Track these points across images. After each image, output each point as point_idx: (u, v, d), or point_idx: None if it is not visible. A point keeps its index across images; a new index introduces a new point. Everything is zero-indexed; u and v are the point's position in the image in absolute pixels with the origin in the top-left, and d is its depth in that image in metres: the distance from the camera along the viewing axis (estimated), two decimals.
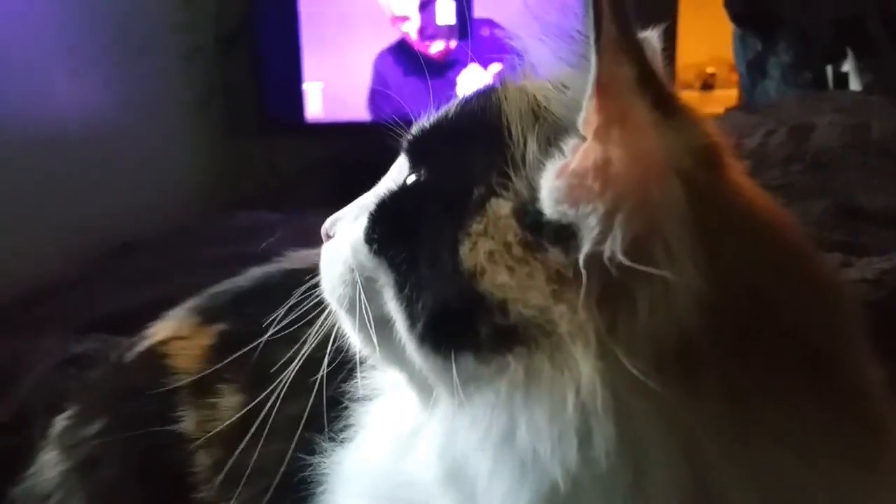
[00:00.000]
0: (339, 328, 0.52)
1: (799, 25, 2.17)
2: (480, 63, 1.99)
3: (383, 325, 0.47)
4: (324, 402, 0.54)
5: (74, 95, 1.77)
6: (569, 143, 0.42)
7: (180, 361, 0.67)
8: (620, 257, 0.39)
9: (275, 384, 0.54)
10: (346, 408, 0.55)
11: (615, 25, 0.39)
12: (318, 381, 0.53)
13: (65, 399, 0.72)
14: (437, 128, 0.51)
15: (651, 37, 0.51)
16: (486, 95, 0.49)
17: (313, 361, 0.53)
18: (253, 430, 0.57)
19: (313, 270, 0.54)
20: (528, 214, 0.42)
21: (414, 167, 0.50)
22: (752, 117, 1.72)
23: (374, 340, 0.48)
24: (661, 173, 0.39)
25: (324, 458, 0.55)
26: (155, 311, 0.74)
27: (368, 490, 0.51)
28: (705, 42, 2.90)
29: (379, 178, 0.53)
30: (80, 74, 1.78)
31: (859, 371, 0.44)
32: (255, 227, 1.52)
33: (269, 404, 0.55)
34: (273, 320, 0.55)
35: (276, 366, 0.55)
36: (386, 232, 0.48)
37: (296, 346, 0.53)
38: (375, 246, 0.48)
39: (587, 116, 0.40)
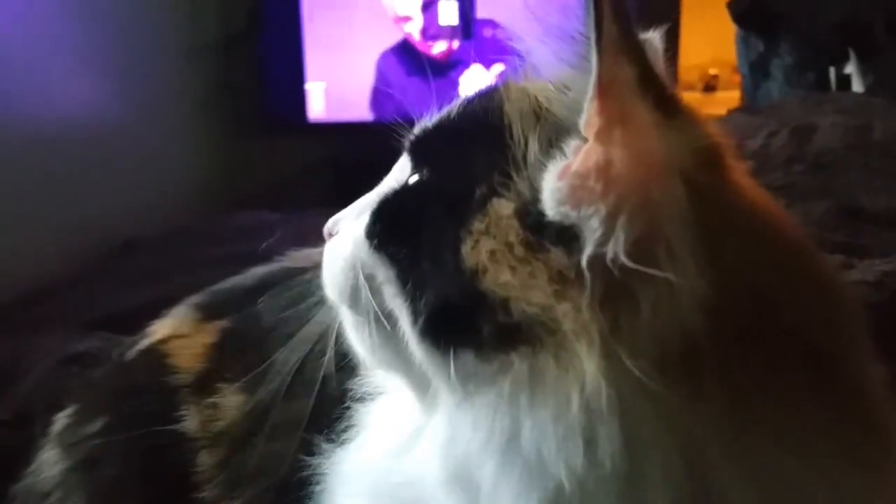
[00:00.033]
0: (340, 326, 0.52)
1: (802, 27, 2.17)
2: (483, 63, 1.99)
3: (384, 322, 0.47)
4: (325, 401, 0.54)
5: (75, 94, 1.77)
6: (570, 145, 0.42)
7: (181, 360, 0.67)
8: (623, 259, 0.39)
9: (276, 383, 0.54)
10: (347, 407, 0.55)
11: (616, 26, 0.39)
12: (321, 380, 0.53)
13: (66, 397, 0.72)
14: (439, 128, 0.51)
15: (653, 38, 0.51)
16: (487, 96, 0.49)
17: (315, 360, 0.53)
18: (254, 429, 0.57)
19: (315, 269, 0.54)
20: (530, 215, 0.42)
21: (416, 167, 0.50)
22: (754, 118, 1.72)
23: (375, 338, 0.48)
24: (663, 174, 0.39)
25: (325, 458, 0.55)
26: (155, 310, 0.74)
27: (369, 490, 0.51)
28: (708, 43, 2.90)
29: (381, 179, 0.53)
30: (82, 73, 1.79)
31: (861, 370, 0.44)
32: (256, 227, 1.52)
33: (270, 403, 0.55)
34: (275, 318, 0.55)
35: (277, 365, 0.55)
36: (388, 230, 0.48)
37: (296, 345, 0.53)
38: (377, 243, 0.48)
39: (588, 118, 0.40)
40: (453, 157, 0.48)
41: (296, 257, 0.72)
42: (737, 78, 2.62)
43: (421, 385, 0.47)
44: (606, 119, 0.40)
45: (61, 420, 0.69)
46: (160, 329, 0.71)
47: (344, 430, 0.55)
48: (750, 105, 2.28)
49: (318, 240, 0.55)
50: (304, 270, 0.56)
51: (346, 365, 0.55)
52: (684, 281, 0.38)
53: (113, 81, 1.89)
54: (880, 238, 1.10)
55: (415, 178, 0.49)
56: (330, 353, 0.53)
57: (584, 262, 0.39)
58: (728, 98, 2.86)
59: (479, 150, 0.46)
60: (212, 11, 2.27)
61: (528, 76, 0.48)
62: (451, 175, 0.47)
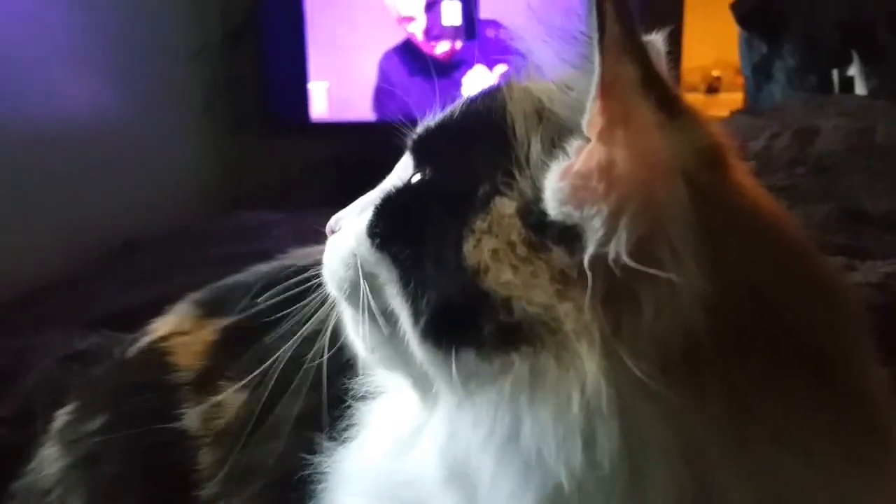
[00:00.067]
0: (341, 324, 0.53)
1: (805, 29, 2.17)
2: (486, 64, 1.99)
3: (385, 320, 0.48)
4: (326, 400, 0.54)
5: (77, 94, 1.77)
6: (573, 145, 0.42)
7: (182, 358, 0.67)
8: (625, 259, 0.38)
9: (276, 381, 0.54)
10: (348, 406, 0.55)
11: (619, 26, 0.39)
12: (321, 379, 0.53)
13: (66, 394, 0.72)
14: (442, 127, 0.51)
15: (656, 39, 0.51)
16: (490, 95, 0.49)
17: (316, 358, 0.53)
18: (254, 427, 0.57)
19: (317, 267, 0.54)
20: (533, 214, 0.42)
21: (419, 166, 0.50)
22: (756, 120, 1.72)
23: (374, 336, 0.48)
24: (666, 174, 0.39)
25: (325, 457, 0.55)
26: (156, 310, 0.74)
27: (370, 489, 0.51)
28: (711, 45, 2.90)
29: (383, 178, 0.53)
30: (83, 73, 1.79)
31: (863, 371, 0.44)
32: (257, 227, 1.53)
33: (270, 402, 0.55)
34: (276, 316, 0.55)
35: (278, 363, 0.55)
36: (390, 228, 0.48)
37: (297, 344, 0.53)
38: (379, 241, 0.48)
39: (591, 118, 0.40)
40: (456, 157, 0.48)
41: (297, 255, 0.72)
42: (739, 80, 2.61)
43: (421, 383, 0.47)
44: (609, 119, 0.40)
45: (62, 417, 0.69)
46: (161, 326, 0.72)
47: (345, 429, 0.55)
48: (752, 107, 2.28)
49: (319, 239, 0.55)
50: (305, 268, 0.56)
51: (346, 363, 0.55)
52: (686, 281, 0.38)
53: (114, 81, 1.89)
54: (882, 241, 1.10)
55: (417, 176, 0.49)
56: (329, 350, 0.53)
57: (585, 262, 0.39)
58: (731, 100, 2.86)
59: (481, 150, 0.46)
60: (215, 11, 2.27)
61: (531, 76, 0.48)
62: (454, 174, 0.47)
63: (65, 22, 1.72)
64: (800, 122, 1.62)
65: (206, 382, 0.65)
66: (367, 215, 0.50)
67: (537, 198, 0.42)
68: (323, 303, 0.53)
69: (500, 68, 1.94)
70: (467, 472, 0.43)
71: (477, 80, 2.10)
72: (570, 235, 0.40)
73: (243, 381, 0.62)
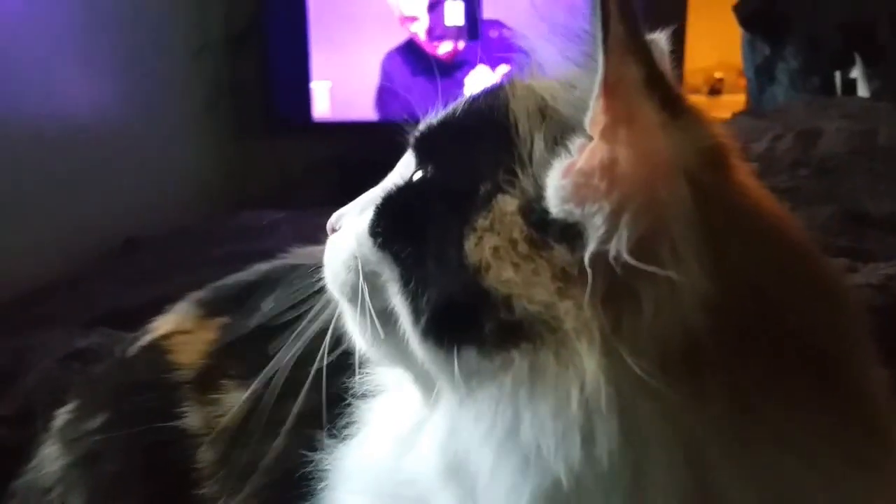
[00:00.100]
0: (342, 322, 0.52)
1: (808, 31, 2.17)
2: (489, 64, 1.99)
3: (386, 318, 0.47)
4: (325, 398, 0.54)
5: (81, 94, 1.77)
6: (575, 143, 0.42)
7: (183, 356, 0.67)
8: (626, 257, 0.38)
9: (277, 379, 0.54)
10: (349, 404, 0.55)
11: (623, 26, 0.39)
12: (321, 377, 0.53)
13: (67, 393, 0.72)
14: (444, 125, 0.51)
15: (660, 38, 0.51)
16: (493, 93, 0.49)
17: (317, 356, 0.53)
18: (254, 426, 0.57)
19: (318, 265, 0.54)
20: (534, 212, 0.42)
21: (420, 163, 0.50)
22: (759, 122, 1.72)
23: (376, 333, 0.48)
24: (668, 173, 0.39)
25: (326, 455, 0.55)
26: (157, 309, 0.74)
27: (370, 487, 0.51)
28: (714, 47, 2.90)
29: (385, 178, 0.53)
30: (87, 73, 1.79)
31: (864, 372, 0.44)
32: (258, 227, 1.52)
33: (271, 400, 0.55)
34: (277, 315, 0.55)
35: (279, 361, 0.55)
36: (391, 226, 0.48)
37: (298, 342, 0.53)
38: (380, 240, 0.48)
39: (594, 116, 0.40)
40: (458, 154, 0.48)
41: (299, 254, 0.72)
42: (742, 81, 2.61)
43: (422, 379, 0.48)
44: (612, 118, 0.40)
45: (62, 416, 0.69)
46: (162, 325, 0.72)
47: (346, 427, 0.55)
48: (755, 109, 2.27)
49: (321, 238, 0.55)
50: (306, 267, 0.56)
51: (348, 361, 0.55)
52: (687, 280, 0.38)
53: (116, 80, 1.89)
54: (884, 243, 1.10)
55: (419, 174, 0.49)
56: (331, 350, 0.53)
57: (586, 260, 0.39)
58: (733, 101, 2.85)
59: (484, 148, 0.46)
60: (218, 11, 2.27)
61: (534, 74, 0.48)
62: (456, 172, 0.47)
63: (66, 21, 1.72)
64: (802, 123, 1.62)
65: (206, 381, 0.65)
66: (369, 214, 0.50)
67: (539, 196, 0.42)
68: (324, 301, 0.53)
69: (503, 69, 1.94)
70: (466, 468, 0.43)
71: (479, 81, 2.10)
72: (571, 233, 0.40)
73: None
